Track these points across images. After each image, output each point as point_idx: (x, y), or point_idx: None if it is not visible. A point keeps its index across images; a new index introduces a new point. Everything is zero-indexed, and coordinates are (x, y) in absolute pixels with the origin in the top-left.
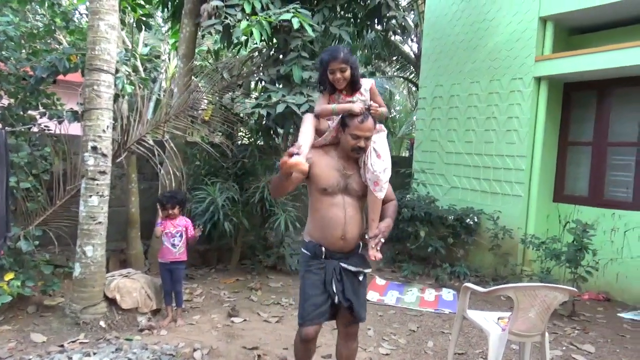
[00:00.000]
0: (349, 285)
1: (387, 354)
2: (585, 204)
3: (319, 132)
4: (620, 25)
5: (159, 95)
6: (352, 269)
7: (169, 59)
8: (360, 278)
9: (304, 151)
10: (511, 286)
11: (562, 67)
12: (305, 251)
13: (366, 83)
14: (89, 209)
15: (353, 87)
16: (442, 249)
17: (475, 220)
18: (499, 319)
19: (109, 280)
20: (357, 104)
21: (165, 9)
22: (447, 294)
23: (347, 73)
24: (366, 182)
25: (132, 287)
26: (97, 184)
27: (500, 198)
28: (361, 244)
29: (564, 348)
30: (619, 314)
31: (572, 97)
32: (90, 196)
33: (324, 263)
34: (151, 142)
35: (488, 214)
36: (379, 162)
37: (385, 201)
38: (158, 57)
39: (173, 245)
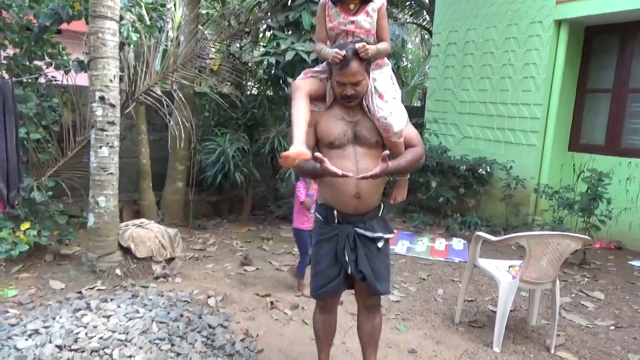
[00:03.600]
0: (364, 254)
1: (397, 301)
2: (602, 153)
3: (316, 97)
4: None
5: (166, 44)
6: (369, 234)
7: (175, 7)
8: (380, 245)
9: (299, 139)
10: (524, 235)
11: (585, 8)
12: (317, 215)
13: (377, 1)
14: (100, 160)
15: (363, 0)
16: (454, 199)
17: (488, 170)
18: (510, 267)
19: (122, 230)
20: (334, 50)
21: None
22: (458, 243)
23: None
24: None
25: (146, 236)
26: (107, 135)
27: (514, 147)
28: (382, 205)
29: (573, 295)
30: (630, 262)
31: (593, 42)
32: (101, 147)
33: (336, 229)
34: (159, 92)
35: (501, 163)
36: (382, 105)
37: (406, 146)
38: (164, 5)
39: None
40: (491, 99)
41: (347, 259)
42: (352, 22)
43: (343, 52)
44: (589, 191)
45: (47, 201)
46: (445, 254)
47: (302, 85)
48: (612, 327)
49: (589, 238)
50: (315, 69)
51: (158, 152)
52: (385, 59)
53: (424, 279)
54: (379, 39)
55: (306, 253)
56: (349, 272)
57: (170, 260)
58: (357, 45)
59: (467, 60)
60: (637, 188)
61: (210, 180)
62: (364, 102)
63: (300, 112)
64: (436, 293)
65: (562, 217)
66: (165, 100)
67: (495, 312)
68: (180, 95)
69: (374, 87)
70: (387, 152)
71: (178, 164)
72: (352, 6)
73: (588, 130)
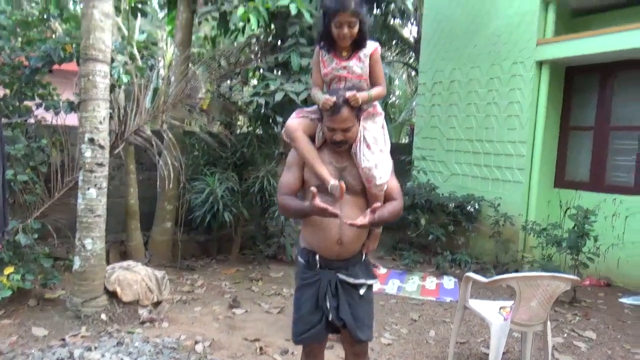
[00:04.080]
0: (346, 301)
1: (389, 344)
2: (587, 189)
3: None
4: (622, 7)
5: (157, 84)
6: (351, 281)
7: (167, 46)
8: (362, 291)
9: (328, 174)
10: (513, 276)
11: (564, 50)
12: (300, 259)
13: (369, 46)
14: (88, 202)
15: (355, 46)
16: (443, 237)
17: (476, 207)
18: (500, 308)
19: (109, 273)
20: (325, 97)
21: None
22: (449, 281)
23: (356, 29)
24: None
25: (133, 279)
26: (95, 176)
27: (501, 184)
28: (365, 254)
29: (565, 335)
30: (619, 299)
31: (574, 81)
32: (89, 188)
33: (318, 274)
34: (149, 132)
35: (489, 200)
36: (368, 155)
37: (386, 198)
38: (155, 44)
39: None
40: (477, 136)
41: (328, 306)
42: (344, 67)
43: (333, 99)
44: (575, 228)
45: (32, 244)
46: (437, 293)
47: (297, 126)
48: None
49: (578, 279)
50: (307, 109)
51: (146, 192)
52: (378, 107)
53: (415, 320)
54: (372, 84)
55: None
56: (330, 318)
57: (157, 303)
58: (348, 94)
59: (453, 98)
60: (623, 224)
61: (199, 220)
62: (352, 148)
63: (312, 150)
64: (428, 335)
65: (551, 254)
66: (154, 140)
67: (487, 354)
68: (170, 134)
69: (364, 136)
70: (378, 204)
71: (167, 204)
72: (344, 53)
73: (573, 167)
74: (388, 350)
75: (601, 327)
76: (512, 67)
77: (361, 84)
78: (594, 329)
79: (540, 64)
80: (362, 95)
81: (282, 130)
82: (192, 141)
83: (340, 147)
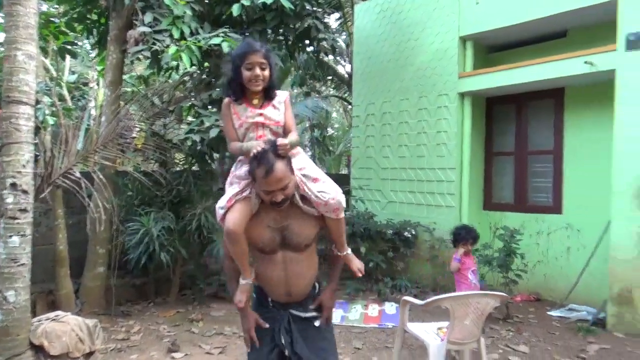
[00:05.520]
0: (300, 336)
1: None
2: (512, 210)
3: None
4: (531, 44)
5: (88, 124)
6: (302, 314)
7: (98, 86)
8: (317, 323)
9: (247, 271)
10: (446, 297)
11: (482, 82)
12: (254, 294)
13: (281, 95)
14: (10, 250)
15: (266, 95)
16: (383, 263)
17: (413, 232)
18: (438, 329)
19: (35, 326)
20: (256, 143)
21: (91, 36)
22: (390, 307)
23: (267, 72)
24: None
25: (62, 330)
26: (18, 223)
27: (434, 209)
28: (317, 285)
29: (500, 351)
30: (548, 313)
31: (494, 111)
32: (11, 236)
33: (271, 311)
34: (78, 174)
35: (424, 225)
36: (322, 187)
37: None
38: (86, 84)
39: (474, 282)
40: (410, 164)
41: (283, 341)
42: (261, 114)
43: (261, 147)
44: (504, 247)
45: None
46: (378, 320)
47: (239, 225)
48: None
49: (506, 295)
50: (235, 189)
51: (77, 236)
52: (297, 148)
53: (358, 349)
54: (287, 131)
55: None
56: (286, 353)
57: (89, 354)
58: (278, 143)
59: (385, 129)
60: (546, 241)
61: (134, 262)
62: (296, 198)
63: (244, 253)
64: None
65: (484, 274)
66: (84, 182)
67: None
68: (101, 175)
69: (304, 175)
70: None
71: (99, 248)
72: (255, 101)
73: (498, 190)
74: None
75: (533, 340)
76: (438, 99)
77: (278, 129)
78: (527, 342)
79: (462, 95)
80: (289, 140)
81: (224, 233)
82: (124, 181)
83: (281, 206)
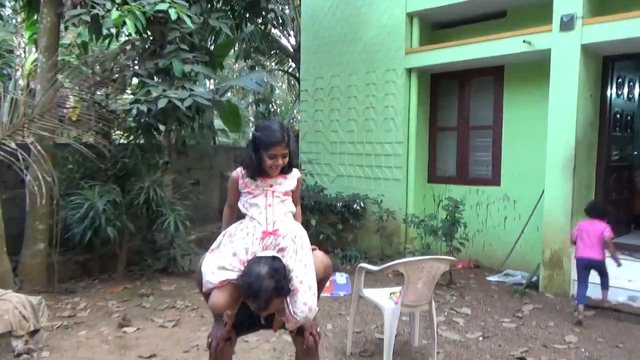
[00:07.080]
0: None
1: (289, 341)
2: (455, 183)
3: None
4: (474, 22)
5: (14, 94)
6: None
7: (25, 54)
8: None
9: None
10: (401, 262)
11: (428, 59)
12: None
13: (296, 172)
14: None
15: (281, 171)
16: (333, 235)
17: (362, 205)
18: (391, 294)
19: None
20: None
21: None
22: (341, 277)
23: (287, 158)
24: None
25: (3, 308)
26: None
27: (382, 183)
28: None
29: (446, 313)
30: (487, 278)
31: (439, 86)
32: None
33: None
34: (13, 145)
35: (372, 198)
36: (300, 303)
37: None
38: (11, 51)
39: None
40: (358, 139)
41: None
42: (271, 185)
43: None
44: (448, 217)
45: None
46: (330, 289)
47: (221, 309)
48: (481, 338)
49: (455, 259)
50: (229, 274)
51: (12, 212)
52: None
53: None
54: (293, 202)
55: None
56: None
57: (34, 332)
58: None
59: (334, 104)
60: (485, 212)
61: (78, 237)
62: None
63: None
64: (326, 328)
65: (429, 243)
66: (20, 153)
67: (382, 339)
68: (39, 147)
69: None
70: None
71: (38, 223)
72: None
73: (442, 164)
74: (289, 348)
75: (474, 304)
76: (385, 74)
77: (285, 198)
78: (469, 305)
79: (409, 71)
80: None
81: (208, 304)
82: (65, 153)
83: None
